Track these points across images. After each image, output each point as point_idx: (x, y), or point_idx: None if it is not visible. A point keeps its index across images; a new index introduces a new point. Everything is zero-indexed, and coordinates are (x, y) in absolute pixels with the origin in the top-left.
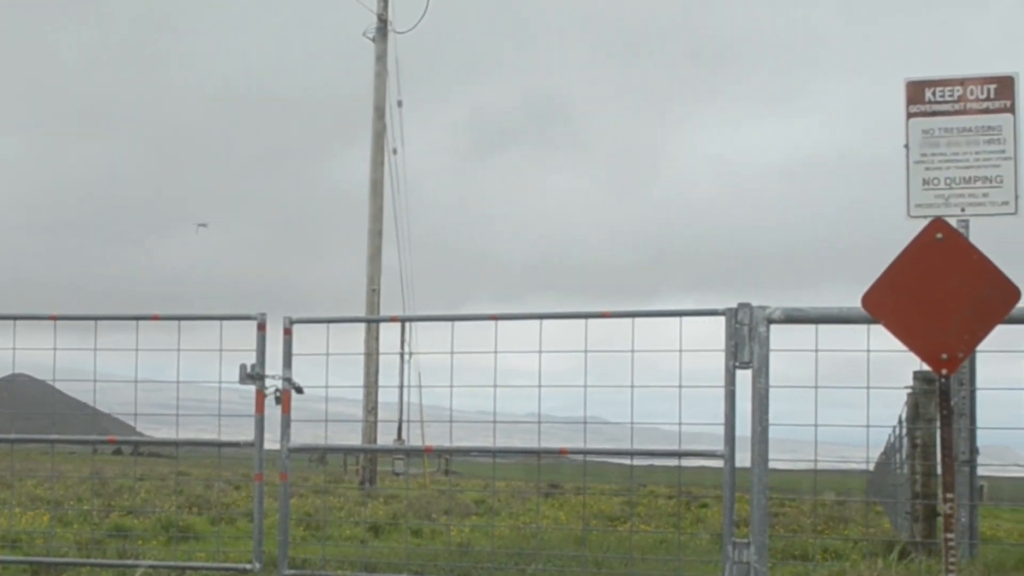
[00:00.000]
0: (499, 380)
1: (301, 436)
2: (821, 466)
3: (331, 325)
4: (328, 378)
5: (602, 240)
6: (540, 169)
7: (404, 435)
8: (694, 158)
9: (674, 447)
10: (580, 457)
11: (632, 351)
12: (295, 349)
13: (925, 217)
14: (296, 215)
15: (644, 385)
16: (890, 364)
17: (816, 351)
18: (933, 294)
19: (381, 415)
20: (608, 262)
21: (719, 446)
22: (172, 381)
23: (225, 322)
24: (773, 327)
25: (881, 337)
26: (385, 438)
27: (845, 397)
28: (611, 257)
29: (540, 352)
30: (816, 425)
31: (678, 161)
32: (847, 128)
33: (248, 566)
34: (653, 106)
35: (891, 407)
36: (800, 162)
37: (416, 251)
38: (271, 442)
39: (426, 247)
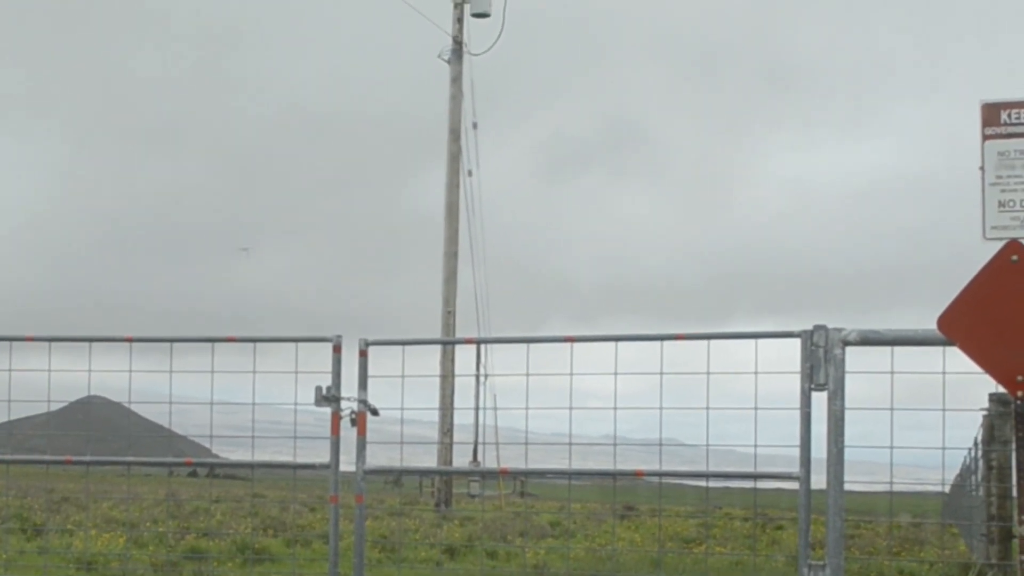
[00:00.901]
0: (574, 402)
1: (376, 458)
2: (897, 488)
3: (407, 347)
4: (404, 400)
5: (677, 262)
6: (616, 191)
7: (480, 457)
8: (768, 180)
9: (749, 469)
10: (656, 479)
11: (707, 373)
12: (371, 371)
13: (1001, 239)
14: (371, 237)
15: (720, 407)
16: (966, 386)
17: (892, 373)
18: (1009, 316)
19: (456, 437)
20: (683, 284)
21: (794, 468)
22: (248, 403)
23: (301, 344)
24: (848, 349)
25: (957, 359)
26: (460, 460)
27: (921, 419)
28: (686, 279)
29: (616, 374)
30: (892, 447)
31: (753, 183)
32: (920, 151)
33: None
34: (728, 128)
35: (967, 429)
36: (874, 184)
37: (492, 273)
38: (346, 464)
39: (502, 269)
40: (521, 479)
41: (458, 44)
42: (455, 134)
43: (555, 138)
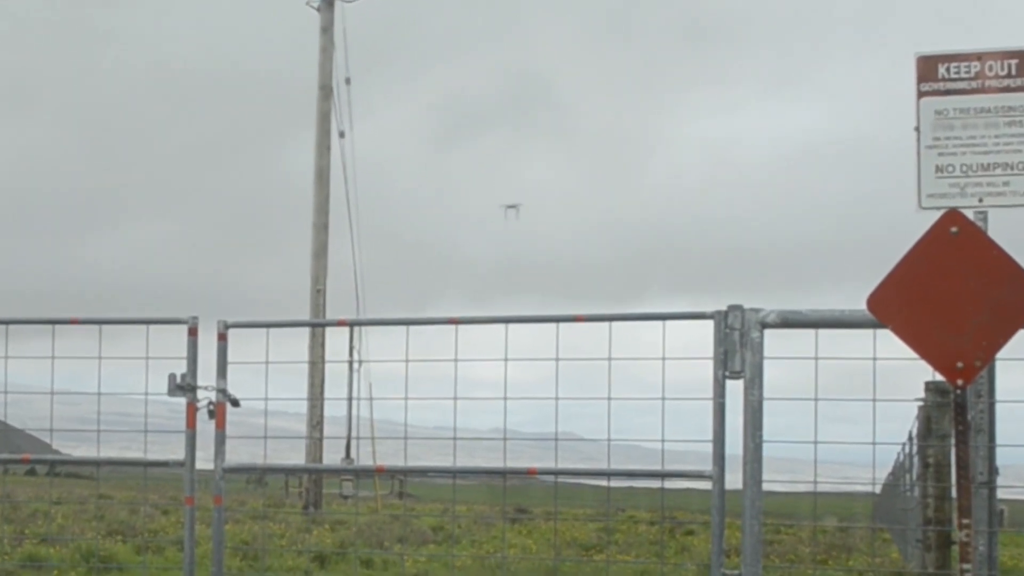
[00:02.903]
0: (460, 391)
1: (237, 455)
2: (822, 488)
3: (271, 330)
4: (268, 389)
5: (584, 236)
6: (517, 157)
7: (353, 453)
8: (687, 145)
9: (656, 467)
10: (551, 478)
11: (609, 359)
12: (231, 357)
13: (938, 209)
14: (236, 208)
15: (623, 397)
16: (899, 374)
17: (816, 359)
18: (947, 295)
19: (327, 431)
20: (591, 261)
21: (707, 466)
22: (93, 393)
23: (153, 327)
24: (768, 332)
25: (889, 343)
26: (332, 457)
27: (848, 411)
28: (594, 255)
29: (506, 360)
30: (816, 442)
31: (670, 149)
32: (857, 113)
33: None
34: (644, 88)
35: (900, 422)
36: (804, 150)
37: (374, 247)
38: (204, 461)
39: (385, 243)
40: (400, 478)
41: None
42: (326, 91)
43: (449, 97)
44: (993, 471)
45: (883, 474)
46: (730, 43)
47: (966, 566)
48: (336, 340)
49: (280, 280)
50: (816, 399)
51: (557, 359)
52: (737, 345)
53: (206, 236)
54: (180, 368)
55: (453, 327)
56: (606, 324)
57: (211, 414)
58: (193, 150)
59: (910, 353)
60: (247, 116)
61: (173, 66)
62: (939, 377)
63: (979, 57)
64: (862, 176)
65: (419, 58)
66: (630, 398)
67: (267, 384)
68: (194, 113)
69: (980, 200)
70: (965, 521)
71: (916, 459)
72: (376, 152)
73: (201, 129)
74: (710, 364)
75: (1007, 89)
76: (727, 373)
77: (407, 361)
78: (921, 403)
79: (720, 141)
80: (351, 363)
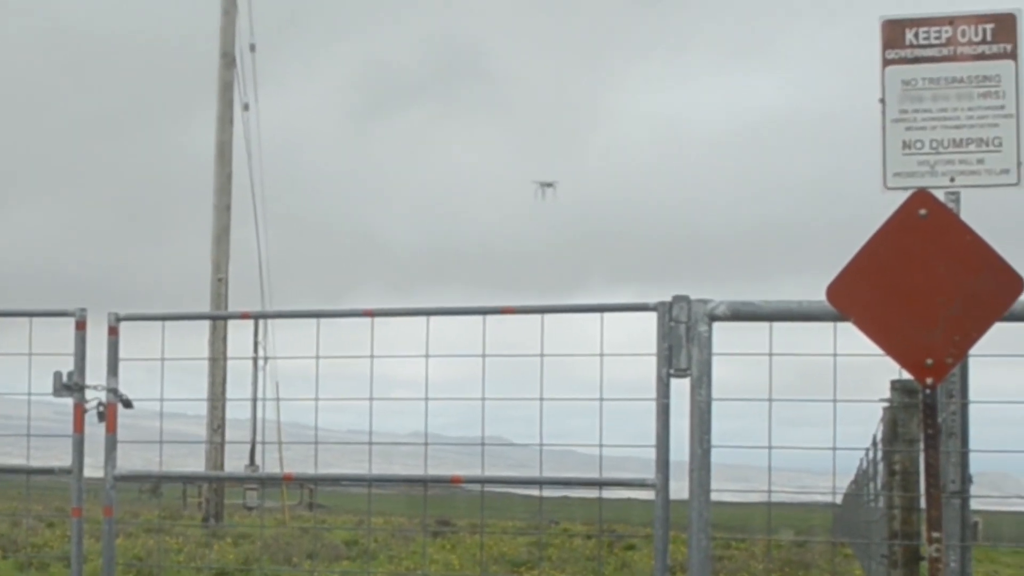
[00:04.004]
0: (377, 391)
1: (130, 461)
2: (776, 498)
3: (167, 323)
4: (163, 389)
5: (519, 219)
6: (445, 132)
7: (258, 460)
8: (633, 120)
9: (594, 474)
10: (476, 487)
11: (541, 355)
12: (123, 353)
13: (905, 189)
14: (131, 188)
15: (557, 398)
16: (862, 371)
17: (770, 355)
18: (915, 285)
19: (229, 435)
20: (525, 246)
21: (649, 473)
22: None
23: (36, 320)
24: (716, 325)
25: (851, 338)
26: (234, 463)
27: (806, 412)
28: (529, 240)
29: (427, 356)
30: (770, 447)
31: (614, 124)
32: (820, 85)
33: None
34: (586, 57)
35: (863, 425)
36: (761, 125)
37: (282, 232)
38: (93, 468)
39: (296, 227)
40: (309, 487)
41: None
42: (228, 59)
43: (369, 68)
44: (966, 479)
45: (844, 483)
46: (683, 7)
47: None
48: (239, 334)
49: (177, 268)
50: (770, 400)
51: (484, 355)
52: (683, 340)
53: (96, 219)
54: (67, 365)
55: (369, 320)
56: (538, 317)
57: (101, 416)
58: (84, 124)
59: (874, 349)
60: (145, 87)
61: (62, 31)
62: (907, 375)
63: (951, 21)
64: (825, 154)
65: (335, 24)
66: (565, 399)
67: (163, 383)
68: (86, 83)
69: (952, 179)
70: (935, 534)
71: (881, 466)
72: (285, 127)
73: (93, 101)
74: (653, 361)
75: (981, 56)
76: (672, 371)
77: (318, 358)
78: (887, 404)
79: (670, 115)
80: (256, 360)
